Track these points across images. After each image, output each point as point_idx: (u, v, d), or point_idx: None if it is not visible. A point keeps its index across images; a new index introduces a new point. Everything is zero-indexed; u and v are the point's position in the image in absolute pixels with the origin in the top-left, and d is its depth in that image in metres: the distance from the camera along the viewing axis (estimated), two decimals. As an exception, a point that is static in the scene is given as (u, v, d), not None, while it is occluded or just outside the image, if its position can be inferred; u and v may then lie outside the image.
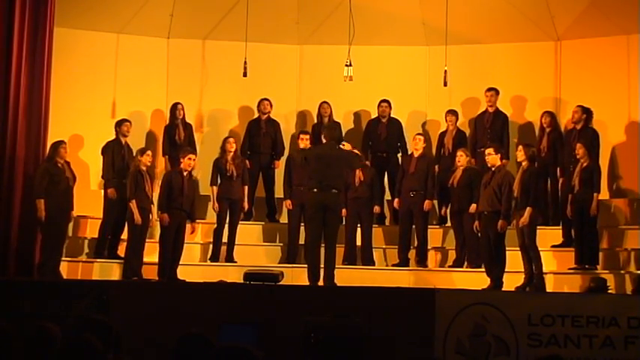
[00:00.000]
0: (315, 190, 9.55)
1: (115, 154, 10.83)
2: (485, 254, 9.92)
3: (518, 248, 9.81)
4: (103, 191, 10.93)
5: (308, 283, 9.43)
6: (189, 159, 10.40)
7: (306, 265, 9.74)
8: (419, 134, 11.17)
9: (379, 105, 11.78)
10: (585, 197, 10.13)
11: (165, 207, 10.20)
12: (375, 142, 11.72)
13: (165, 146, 11.54)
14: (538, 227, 9.90)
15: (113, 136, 11.00)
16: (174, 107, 11.58)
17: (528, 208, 9.59)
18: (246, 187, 11.12)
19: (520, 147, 10.01)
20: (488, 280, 9.79)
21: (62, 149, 10.18)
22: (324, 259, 9.60)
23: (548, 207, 10.87)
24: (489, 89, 11.40)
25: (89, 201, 10.98)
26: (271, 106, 11.72)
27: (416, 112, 12.24)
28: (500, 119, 11.38)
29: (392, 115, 11.79)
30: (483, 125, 11.37)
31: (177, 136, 11.47)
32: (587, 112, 10.88)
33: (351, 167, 10.16)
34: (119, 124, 11.00)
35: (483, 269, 10.06)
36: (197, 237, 11.24)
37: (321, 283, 9.38)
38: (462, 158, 10.56)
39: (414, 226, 10.92)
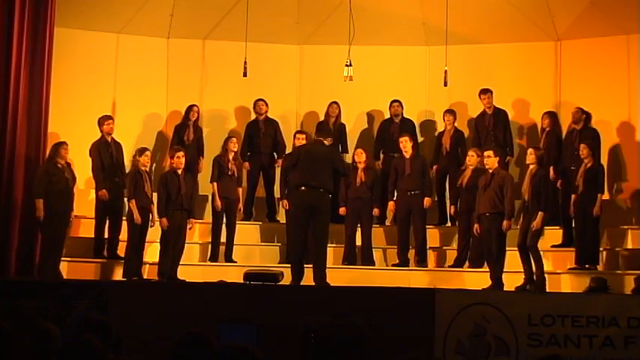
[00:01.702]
0: (303, 188, 9.55)
1: (103, 154, 10.75)
2: (488, 255, 9.92)
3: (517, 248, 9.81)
4: (94, 192, 10.88)
5: (308, 283, 9.43)
6: (178, 157, 10.36)
7: (307, 266, 9.73)
8: (404, 136, 11.12)
9: (391, 105, 11.79)
10: (589, 197, 10.13)
11: (164, 210, 10.18)
12: (388, 142, 11.69)
13: (174, 146, 11.50)
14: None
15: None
16: (190, 109, 11.55)
17: (541, 213, 9.61)
18: (240, 189, 11.12)
19: (530, 150, 10.04)
20: (489, 280, 9.79)
21: (63, 150, 10.16)
22: (313, 259, 9.60)
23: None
24: (484, 92, 11.36)
25: (81, 201, 10.93)
26: (267, 105, 11.71)
27: (416, 113, 12.23)
28: (501, 117, 11.38)
29: (405, 115, 11.80)
30: (485, 127, 11.36)
31: (187, 137, 11.46)
32: (586, 113, 10.93)
33: (337, 170, 9.87)
34: (100, 123, 10.89)
35: (483, 269, 10.06)
36: (195, 237, 11.24)
37: (307, 282, 9.39)
38: (472, 158, 10.53)
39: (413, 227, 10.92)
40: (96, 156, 10.77)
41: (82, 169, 11.26)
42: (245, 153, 11.61)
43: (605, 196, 10.98)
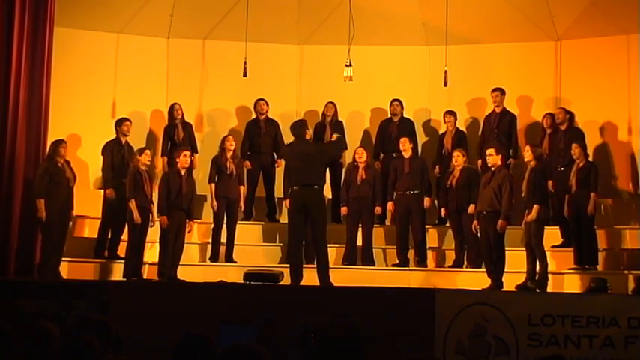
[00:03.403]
0: (296, 187, 9.57)
1: (115, 154, 10.82)
2: (486, 254, 9.92)
3: (518, 248, 9.83)
4: (102, 191, 10.93)
5: (308, 283, 9.43)
6: (185, 156, 10.38)
7: (307, 266, 9.72)
8: (404, 137, 11.12)
9: (390, 104, 11.79)
10: (582, 197, 10.14)
11: (164, 209, 10.19)
12: (387, 141, 11.70)
13: (165, 147, 11.53)
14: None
15: (113, 136, 10.99)
16: (172, 108, 11.57)
17: (536, 206, 9.61)
18: (242, 188, 11.13)
19: (527, 147, 10.08)
20: (489, 280, 9.79)
21: (62, 149, 10.17)
22: (316, 260, 9.60)
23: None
24: (494, 89, 11.38)
25: (88, 201, 10.98)
26: (268, 105, 11.72)
27: (416, 112, 12.24)
28: (507, 119, 11.35)
29: (404, 115, 11.81)
30: (490, 125, 11.37)
31: (177, 137, 11.47)
32: (569, 113, 10.97)
33: (331, 157, 9.97)
34: (119, 124, 10.99)
35: (483, 269, 10.07)
36: (194, 237, 11.24)
37: (307, 282, 9.39)
38: (459, 158, 10.59)
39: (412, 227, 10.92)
40: (108, 155, 10.83)
41: (83, 168, 11.29)
42: (245, 152, 11.61)
43: (605, 195, 11.02)
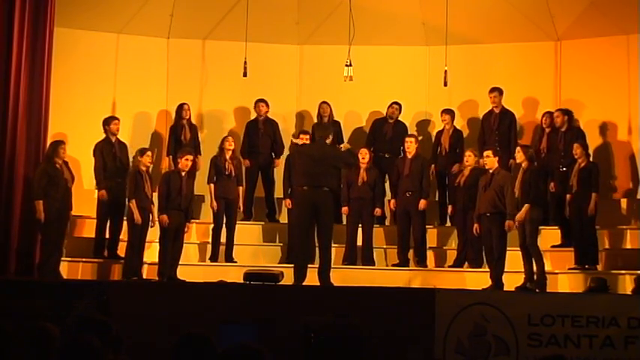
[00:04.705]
0: (306, 187, 9.56)
1: (106, 154, 10.74)
2: (489, 255, 9.92)
3: (518, 248, 9.82)
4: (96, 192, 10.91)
5: (309, 283, 9.43)
6: (187, 159, 10.39)
7: (308, 266, 9.71)
8: (409, 136, 11.15)
9: (390, 106, 11.79)
10: (583, 197, 10.14)
11: (164, 208, 10.20)
12: (380, 141, 11.71)
13: (171, 146, 11.52)
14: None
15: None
16: (181, 107, 11.56)
17: (526, 205, 9.61)
18: (241, 188, 11.13)
19: (518, 148, 10.09)
20: (489, 280, 9.79)
21: (61, 150, 10.15)
22: (318, 259, 9.60)
23: (549, 207, 10.85)
24: (492, 90, 11.35)
25: (89, 201, 10.97)
26: (268, 106, 11.71)
27: (416, 112, 12.25)
28: (507, 119, 11.34)
29: (399, 119, 11.81)
30: (490, 126, 11.35)
31: (183, 137, 11.47)
32: (568, 114, 10.96)
33: (338, 166, 9.93)
34: (107, 122, 10.89)
35: (483, 269, 10.07)
36: (193, 237, 11.24)
37: (307, 282, 9.39)
38: (470, 158, 10.56)
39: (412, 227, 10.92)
40: (99, 156, 10.77)
41: (82, 168, 11.29)
42: (245, 151, 11.61)
43: (606, 195, 11.02)
